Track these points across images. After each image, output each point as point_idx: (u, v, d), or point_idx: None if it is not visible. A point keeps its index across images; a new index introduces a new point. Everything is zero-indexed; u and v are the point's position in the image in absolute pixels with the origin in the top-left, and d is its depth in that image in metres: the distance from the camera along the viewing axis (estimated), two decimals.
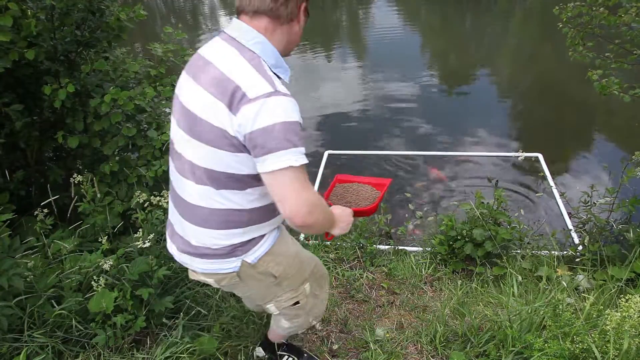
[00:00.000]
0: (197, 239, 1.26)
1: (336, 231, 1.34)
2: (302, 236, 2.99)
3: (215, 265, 1.28)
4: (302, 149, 1.08)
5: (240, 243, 1.25)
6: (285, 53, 1.22)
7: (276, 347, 1.84)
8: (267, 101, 1.04)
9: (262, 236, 1.29)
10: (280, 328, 1.67)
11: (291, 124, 1.06)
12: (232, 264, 1.27)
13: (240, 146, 1.09)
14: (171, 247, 1.38)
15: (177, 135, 1.22)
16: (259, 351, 1.90)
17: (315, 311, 1.62)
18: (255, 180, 1.17)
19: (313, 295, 1.54)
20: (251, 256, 1.27)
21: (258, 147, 1.05)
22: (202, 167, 1.16)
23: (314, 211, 1.11)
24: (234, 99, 1.05)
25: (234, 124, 1.06)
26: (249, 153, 1.10)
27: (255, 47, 1.13)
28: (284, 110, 1.05)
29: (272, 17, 1.15)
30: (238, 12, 1.18)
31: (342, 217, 1.34)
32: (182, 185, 1.25)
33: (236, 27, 1.16)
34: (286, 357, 1.85)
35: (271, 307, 1.48)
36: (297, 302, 1.49)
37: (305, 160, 1.08)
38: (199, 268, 1.31)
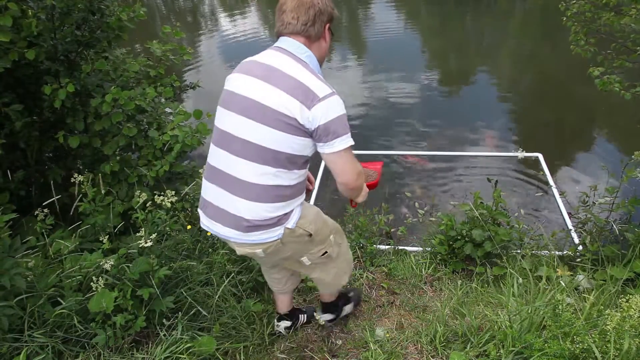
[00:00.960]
0: (251, 213, 1.48)
1: (360, 199, 1.71)
2: None
3: (265, 235, 1.51)
4: None
5: (284, 214, 1.52)
6: (319, 63, 1.56)
7: (331, 306, 2.12)
8: (331, 99, 1.40)
9: (295, 207, 1.57)
10: (322, 287, 1.99)
11: (345, 115, 1.44)
12: (277, 232, 1.52)
13: (306, 133, 1.41)
14: (213, 224, 1.58)
15: (238, 123, 1.46)
16: (325, 316, 2.11)
17: (343, 265, 1.92)
18: (303, 162, 1.51)
19: (337, 244, 1.83)
20: (291, 222, 1.54)
21: (330, 134, 1.40)
22: (269, 148, 1.42)
23: (359, 177, 1.54)
24: (307, 98, 1.37)
25: (306, 116, 1.38)
26: (312, 138, 1.43)
27: (306, 59, 1.48)
28: (341, 105, 1.43)
29: (305, 37, 1.50)
30: (278, 34, 1.53)
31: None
32: (237, 166, 1.47)
33: (289, 43, 1.49)
34: (345, 307, 2.17)
35: (304, 260, 1.73)
36: (326, 252, 1.76)
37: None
38: (249, 240, 1.52)
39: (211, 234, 1.74)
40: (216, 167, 1.54)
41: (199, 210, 1.65)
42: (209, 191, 1.57)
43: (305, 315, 2.19)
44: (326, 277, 1.89)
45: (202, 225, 1.65)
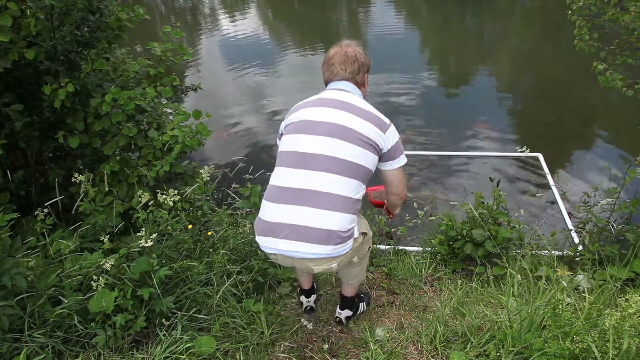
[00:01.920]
0: (339, 224, 1.60)
1: (397, 210, 2.11)
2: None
3: (342, 247, 1.64)
4: None
5: (354, 226, 1.68)
6: None
7: (354, 299, 2.21)
8: (393, 126, 1.76)
9: None
10: (352, 279, 2.09)
11: None
12: (350, 243, 1.67)
13: (378, 152, 1.70)
14: (292, 244, 1.61)
15: (326, 143, 1.63)
16: (345, 313, 2.20)
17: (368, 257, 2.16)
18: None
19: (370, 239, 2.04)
20: (356, 232, 1.71)
21: (398, 152, 1.74)
22: (356, 162, 1.63)
23: (406, 188, 1.90)
24: (381, 124, 1.70)
25: (382, 139, 1.69)
26: (378, 157, 1.72)
27: (360, 97, 1.80)
28: None
29: (353, 82, 1.80)
30: (327, 82, 1.83)
31: None
32: (323, 181, 1.61)
33: (346, 85, 1.79)
34: (361, 304, 2.28)
35: (355, 259, 1.89)
36: (369, 247, 2.00)
37: None
38: (335, 252, 1.63)
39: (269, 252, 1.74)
40: (294, 188, 1.62)
41: (261, 237, 1.68)
42: (287, 213, 1.61)
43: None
44: (361, 269, 2.06)
45: (268, 250, 1.69)
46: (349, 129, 1.63)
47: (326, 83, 1.83)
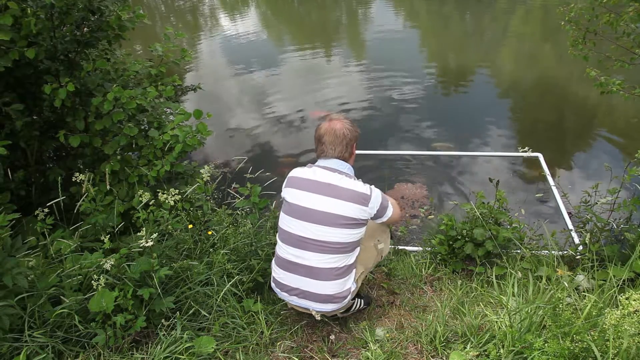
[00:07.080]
0: (334, 289, 1.96)
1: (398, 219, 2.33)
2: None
3: (341, 304, 2.00)
4: None
5: (349, 286, 2.02)
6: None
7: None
8: (374, 192, 1.98)
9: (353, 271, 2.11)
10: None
11: (381, 192, 2.05)
12: (348, 297, 2.02)
13: (365, 222, 1.98)
14: (305, 302, 2.00)
15: (313, 229, 1.91)
16: None
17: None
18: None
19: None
20: (353, 285, 2.04)
21: (383, 211, 2.01)
22: (341, 242, 1.92)
23: (401, 213, 2.38)
24: (363, 199, 1.92)
25: (365, 212, 1.94)
26: (367, 220, 1.99)
27: (348, 171, 2.01)
28: (377, 189, 2.02)
29: (341, 159, 2.02)
30: (318, 157, 2.03)
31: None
32: (314, 259, 1.92)
33: (335, 163, 2.00)
34: (357, 299, 2.33)
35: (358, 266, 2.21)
36: (382, 255, 2.31)
37: None
38: (333, 309, 2.01)
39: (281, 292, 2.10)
40: (298, 263, 1.96)
41: (277, 290, 2.07)
42: (297, 281, 1.98)
43: None
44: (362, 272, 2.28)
45: (284, 299, 2.07)
46: (336, 215, 1.89)
47: (318, 157, 2.07)
